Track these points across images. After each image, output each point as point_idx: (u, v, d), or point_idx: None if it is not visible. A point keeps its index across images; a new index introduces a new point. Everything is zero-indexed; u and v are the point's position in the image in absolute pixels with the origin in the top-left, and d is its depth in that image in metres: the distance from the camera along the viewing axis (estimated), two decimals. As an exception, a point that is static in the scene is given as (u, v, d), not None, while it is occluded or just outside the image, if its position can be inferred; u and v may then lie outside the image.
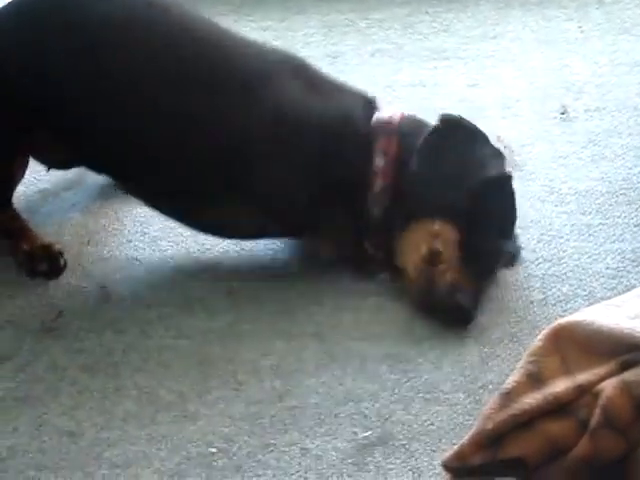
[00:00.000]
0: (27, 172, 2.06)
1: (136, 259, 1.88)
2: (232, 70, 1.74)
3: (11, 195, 1.88)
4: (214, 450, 1.53)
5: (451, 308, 1.70)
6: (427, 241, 1.73)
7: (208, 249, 1.89)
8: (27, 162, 1.88)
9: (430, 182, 1.74)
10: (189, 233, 1.92)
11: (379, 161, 1.76)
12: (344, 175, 1.75)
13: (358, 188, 1.76)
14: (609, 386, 1.32)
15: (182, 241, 1.91)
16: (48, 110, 1.74)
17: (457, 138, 1.77)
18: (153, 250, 1.90)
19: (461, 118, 1.80)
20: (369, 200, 1.76)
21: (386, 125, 1.78)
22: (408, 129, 1.79)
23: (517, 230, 1.86)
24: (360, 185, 1.76)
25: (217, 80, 1.73)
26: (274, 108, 1.73)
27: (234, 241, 1.89)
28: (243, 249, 1.89)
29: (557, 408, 1.35)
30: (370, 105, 1.81)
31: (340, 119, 1.76)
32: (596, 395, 1.33)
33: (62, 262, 1.80)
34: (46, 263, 1.79)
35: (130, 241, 1.92)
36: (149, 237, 1.93)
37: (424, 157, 1.75)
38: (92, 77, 1.71)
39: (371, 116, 1.79)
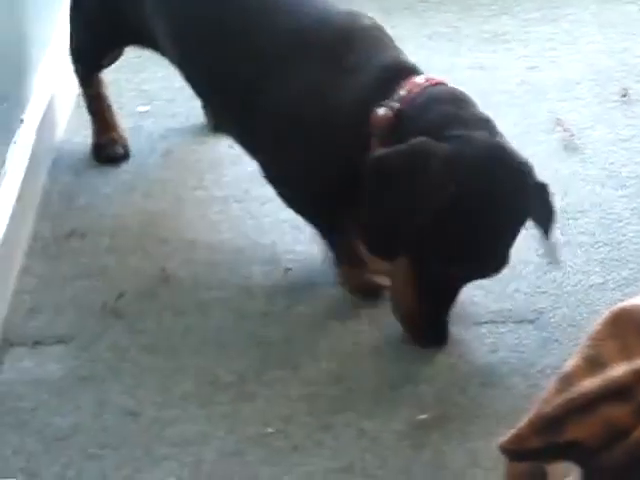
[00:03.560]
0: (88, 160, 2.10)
1: (195, 242, 1.90)
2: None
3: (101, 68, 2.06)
4: (272, 430, 1.55)
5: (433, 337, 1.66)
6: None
7: (266, 232, 1.90)
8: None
9: (379, 221, 1.62)
10: (248, 216, 1.93)
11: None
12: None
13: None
14: (669, 370, 1.30)
15: (240, 224, 1.92)
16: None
17: (396, 173, 1.58)
18: (212, 233, 1.92)
19: (394, 152, 1.60)
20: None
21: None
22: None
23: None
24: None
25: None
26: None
27: (291, 224, 1.90)
28: (301, 231, 1.90)
29: (616, 392, 1.34)
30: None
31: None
32: (656, 380, 1.31)
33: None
34: (122, 148, 2.07)
35: (190, 224, 1.94)
36: (208, 220, 1.94)
37: (371, 200, 1.61)
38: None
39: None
